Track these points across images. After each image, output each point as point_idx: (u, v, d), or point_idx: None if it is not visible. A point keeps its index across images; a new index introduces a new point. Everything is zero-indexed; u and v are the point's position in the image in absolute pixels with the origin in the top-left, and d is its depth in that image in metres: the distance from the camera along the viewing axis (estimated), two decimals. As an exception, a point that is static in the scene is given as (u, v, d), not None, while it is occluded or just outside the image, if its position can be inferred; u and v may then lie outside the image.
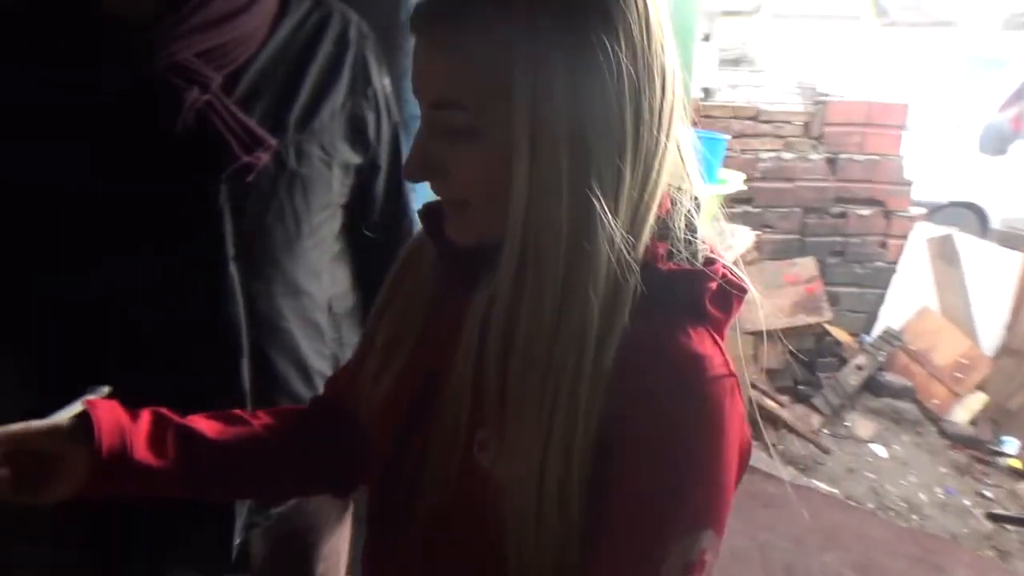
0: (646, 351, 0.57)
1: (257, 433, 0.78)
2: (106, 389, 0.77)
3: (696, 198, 0.62)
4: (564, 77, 0.54)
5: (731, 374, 0.58)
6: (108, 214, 0.87)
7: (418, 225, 0.70)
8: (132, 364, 0.88)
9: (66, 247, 0.88)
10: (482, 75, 0.55)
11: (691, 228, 0.61)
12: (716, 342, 0.59)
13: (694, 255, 0.59)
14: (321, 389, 0.95)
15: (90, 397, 0.74)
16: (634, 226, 0.57)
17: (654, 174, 0.58)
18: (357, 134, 1.00)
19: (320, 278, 1.01)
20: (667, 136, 0.58)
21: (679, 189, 0.62)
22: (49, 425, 0.69)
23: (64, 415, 0.71)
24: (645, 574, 0.56)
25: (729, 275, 0.60)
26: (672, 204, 0.61)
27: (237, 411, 0.80)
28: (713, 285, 0.59)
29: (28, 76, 0.85)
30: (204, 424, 0.75)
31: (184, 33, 0.86)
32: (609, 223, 0.55)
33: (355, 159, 1.01)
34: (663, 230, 0.60)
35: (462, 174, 0.59)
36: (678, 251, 0.59)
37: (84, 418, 0.69)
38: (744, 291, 0.61)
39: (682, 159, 0.62)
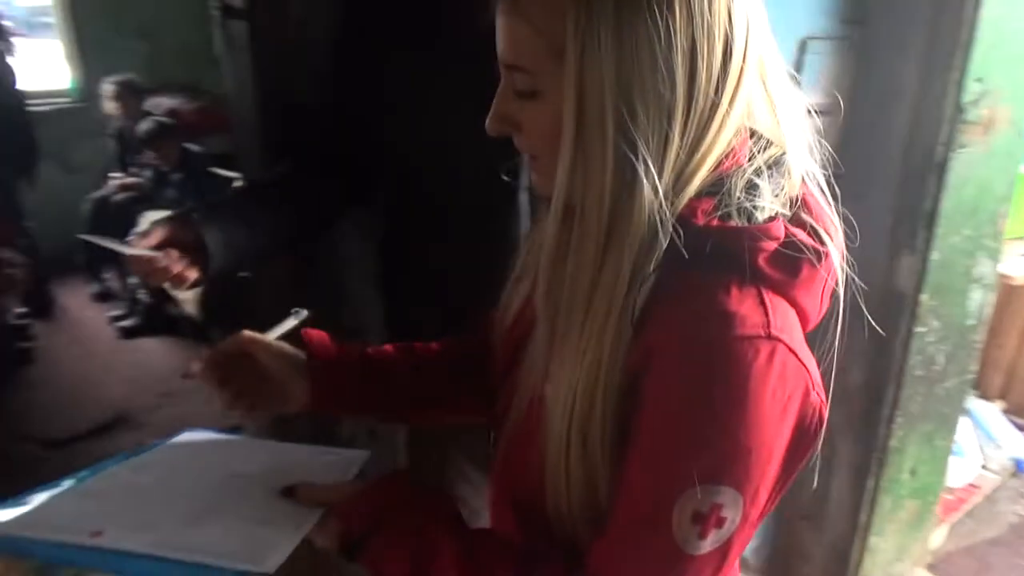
0: (677, 303, 0.59)
1: (435, 362, 0.90)
2: (305, 313, 0.93)
3: (777, 161, 0.63)
4: (612, 43, 0.56)
5: (769, 336, 0.57)
6: None
7: None
8: None
9: None
10: (541, 40, 0.58)
11: (752, 189, 0.60)
12: (763, 303, 0.58)
13: (749, 214, 0.59)
14: None
15: (296, 318, 0.92)
16: (677, 185, 0.59)
17: (709, 137, 0.59)
18: None
19: None
20: (730, 101, 0.59)
21: (762, 147, 0.63)
22: (277, 350, 0.83)
23: (280, 331, 0.88)
24: (656, 512, 0.59)
25: (797, 238, 0.60)
26: (741, 162, 0.62)
27: (416, 343, 0.91)
28: (768, 245, 0.59)
29: None
30: (397, 357, 0.88)
31: None
32: (652, 183, 0.57)
33: None
34: (716, 188, 0.60)
35: (529, 130, 0.63)
36: (726, 208, 0.59)
37: (304, 345, 0.84)
38: (820, 255, 0.60)
39: (777, 120, 0.63)
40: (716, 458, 0.58)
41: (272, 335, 0.87)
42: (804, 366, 0.60)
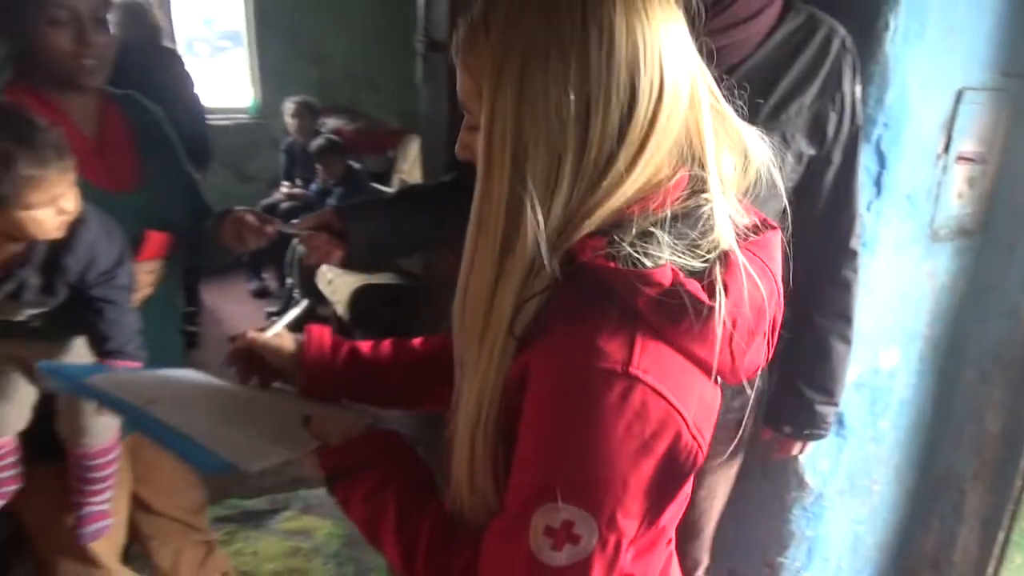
0: (555, 329, 0.64)
1: (421, 358, 0.98)
2: (306, 302, 1.22)
3: (687, 214, 0.64)
4: (514, 93, 0.62)
5: (626, 374, 0.60)
6: None
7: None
8: None
9: None
10: (474, 87, 0.66)
11: (646, 236, 0.62)
12: (631, 342, 0.61)
13: (635, 259, 0.61)
14: None
15: (299, 308, 1.12)
16: (572, 222, 0.64)
17: (607, 183, 0.63)
18: (817, 130, 1.18)
19: None
20: (635, 153, 0.63)
21: (684, 198, 0.65)
22: (275, 347, 0.97)
23: (285, 321, 1.04)
24: (517, 520, 0.64)
25: (686, 288, 0.61)
26: (655, 208, 0.64)
27: (402, 339, 1.01)
28: (648, 290, 0.61)
29: None
30: (388, 353, 0.98)
31: (695, 36, 1.10)
32: (537, 218, 0.62)
33: (809, 151, 1.19)
34: (611, 230, 0.63)
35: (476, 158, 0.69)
36: (614, 249, 0.62)
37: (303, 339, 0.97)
38: (702, 310, 0.61)
39: (719, 174, 0.67)
40: (568, 479, 0.62)
41: (277, 327, 1.01)
42: (674, 408, 0.62)
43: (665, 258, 0.62)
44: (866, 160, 1.40)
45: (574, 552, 0.62)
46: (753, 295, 0.64)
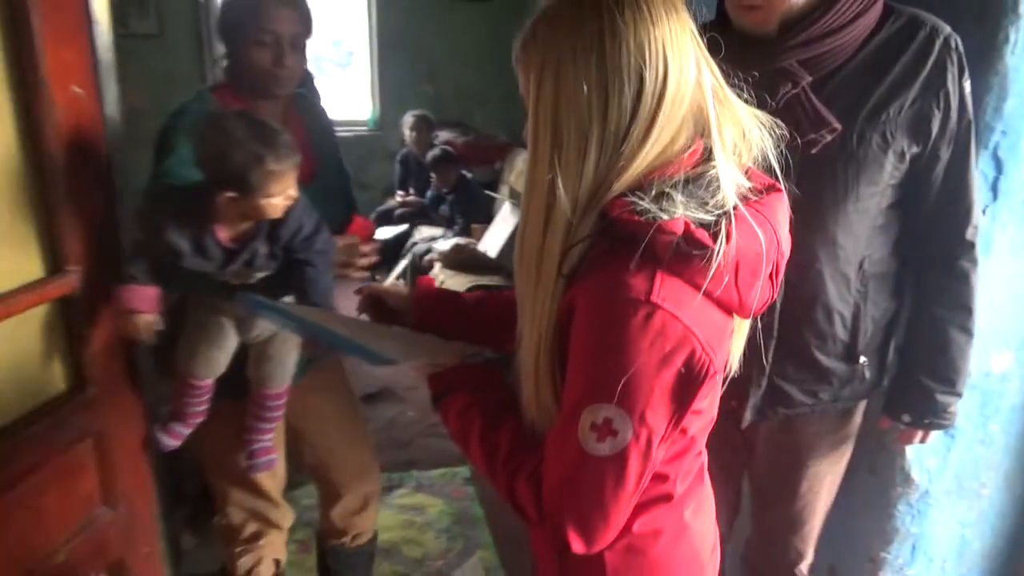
0: (594, 270, 0.81)
1: (497, 304, 1.14)
2: (409, 257, 1.64)
3: (695, 177, 0.81)
4: (550, 85, 0.81)
5: (648, 301, 0.76)
6: None
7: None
8: None
9: None
10: (526, 85, 0.84)
11: (662, 196, 0.78)
12: (652, 277, 0.77)
13: (654, 214, 0.76)
14: (838, 328, 1.31)
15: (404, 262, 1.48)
16: (603, 185, 0.81)
17: (626, 152, 0.80)
18: (920, 129, 1.23)
19: (857, 239, 1.28)
20: (646, 127, 0.80)
21: (695, 164, 0.82)
22: (393, 293, 1.20)
23: (396, 272, 1.46)
24: (568, 421, 0.82)
25: (695, 234, 0.76)
26: (672, 173, 0.80)
27: (494, 291, 1.17)
28: (665, 238, 0.76)
29: None
30: (484, 300, 1.16)
31: (792, 47, 1.21)
32: (573, 182, 0.81)
33: (912, 149, 1.24)
34: (635, 190, 0.79)
35: None
36: (636, 207, 0.77)
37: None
38: (704, 248, 0.76)
39: (721, 146, 0.83)
40: (606, 385, 0.79)
41: (390, 278, 1.42)
42: (689, 329, 0.78)
43: (679, 212, 0.77)
44: (983, 165, 1.46)
45: (614, 444, 0.80)
46: (752, 243, 0.80)
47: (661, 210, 0.77)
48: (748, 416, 1.36)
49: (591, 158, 0.81)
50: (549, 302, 0.84)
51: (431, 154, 4.29)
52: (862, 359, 1.37)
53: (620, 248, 0.79)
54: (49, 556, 1.26)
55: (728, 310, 0.84)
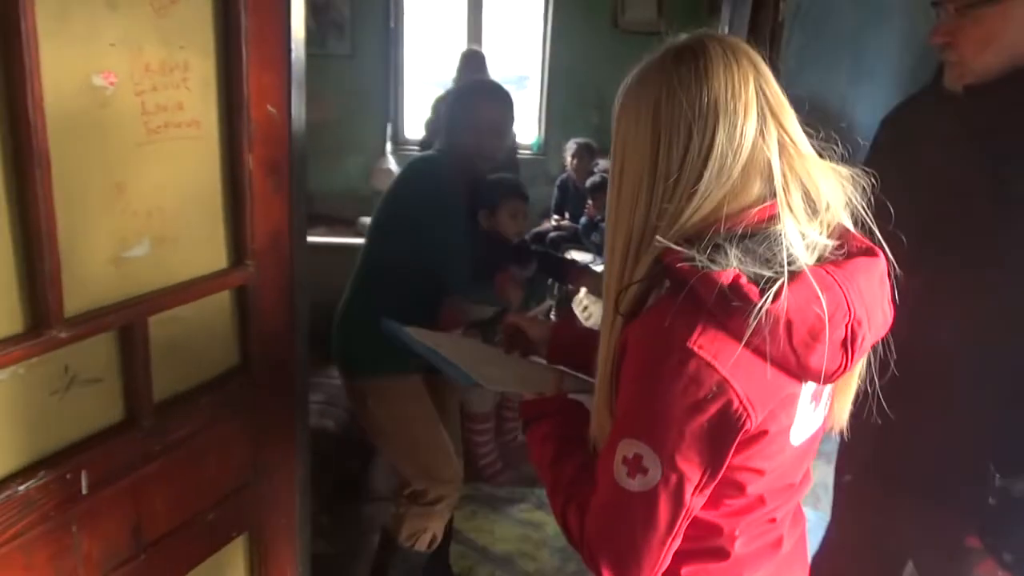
0: (646, 312, 0.86)
1: None
2: (551, 302, 1.65)
3: (752, 234, 0.83)
4: (620, 134, 0.90)
5: (684, 348, 0.79)
6: None
7: None
8: None
9: None
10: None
11: (717, 249, 0.81)
12: (693, 325, 0.79)
13: (705, 265, 0.79)
14: None
15: (545, 304, 1.55)
16: (652, 230, 0.86)
17: (675, 200, 0.85)
18: None
19: None
20: (692, 178, 0.84)
21: (757, 221, 0.84)
22: (531, 324, 1.35)
23: (537, 311, 1.49)
24: (608, 452, 0.87)
25: (743, 288, 0.78)
26: (733, 227, 0.83)
27: None
28: (710, 289, 0.78)
29: None
30: None
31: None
32: (625, 225, 0.88)
33: None
34: (692, 240, 0.83)
35: None
36: (689, 258, 0.80)
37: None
38: (749, 302, 0.77)
39: (787, 204, 0.85)
40: (639, 421, 0.83)
41: (532, 313, 1.44)
42: (727, 380, 0.79)
43: (732, 265, 0.79)
44: None
45: (644, 481, 0.83)
46: (810, 306, 0.80)
47: (711, 261, 0.80)
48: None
49: (641, 206, 0.87)
50: (612, 337, 0.90)
51: (590, 180, 4.37)
52: None
53: (669, 293, 0.84)
54: (201, 514, 1.45)
55: (789, 372, 0.83)
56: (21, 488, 1.09)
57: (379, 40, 5.21)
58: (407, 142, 5.45)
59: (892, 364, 0.97)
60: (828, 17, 1.62)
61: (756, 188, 0.86)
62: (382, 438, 2.22)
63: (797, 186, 0.87)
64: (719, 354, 0.79)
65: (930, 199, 1.32)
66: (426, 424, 2.16)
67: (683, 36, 0.90)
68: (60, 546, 1.17)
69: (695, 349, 0.79)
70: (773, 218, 0.84)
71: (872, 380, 1.00)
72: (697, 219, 0.85)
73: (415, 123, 5.41)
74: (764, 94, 0.86)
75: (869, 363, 0.99)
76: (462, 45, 5.16)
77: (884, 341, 0.95)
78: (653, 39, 0.93)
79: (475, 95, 2.20)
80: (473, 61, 4.43)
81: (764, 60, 0.90)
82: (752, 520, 0.93)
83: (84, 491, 1.19)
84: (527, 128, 5.67)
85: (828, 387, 0.96)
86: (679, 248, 0.82)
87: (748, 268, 0.80)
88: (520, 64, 6.12)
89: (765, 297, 0.78)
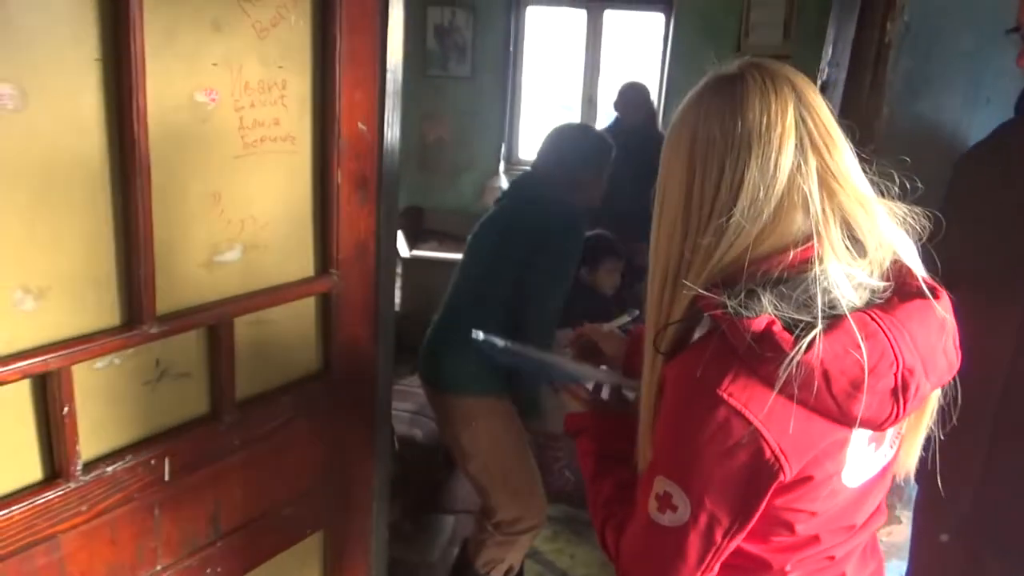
0: (683, 353, 0.84)
1: None
2: (636, 312, 1.51)
3: (789, 279, 0.79)
4: (663, 168, 0.89)
5: (714, 393, 0.77)
6: None
7: None
8: None
9: None
10: None
11: (751, 295, 0.78)
12: (726, 371, 0.77)
13: (737, 311, 0.77)
14: None
15: (629, 315, 1.49)
16: (688, 270, 0.85)
17: (707, 234, 0.83)
18: None
19: None
20: (723, 212, 0.81)
21: (791, 265, 0.80)
22: (606, 336, 1.33)
23: (616, 323, 1.44)
24: (645, 486, 0.87)
25: (776, 336, 0.75)
26: (769, 270, 0.80)
27: None
28: (743, 335, 0.76)
29: None
30: None
31: None
32: (662, 261, 0.88)
33: None
34: (727, 283, 0.80)
35: None
36: (724, 302, 0.78)
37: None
38: (781, 351, 0.75)
39: (828, 243, 0.80)
40: (671, 461, 0.83)
41: (610, 325, 1.39)
42: (756, 428, 0.76)
43: (766, 311, 0.77)
44: None
45: (674, 518, 0.83)
46: (848, 353, 0.76)
47: (743, 307, 0.77)
48: None
49: (676, 240, 0.86)
50: (653, 373, 0.90)
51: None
52: None
53: (705, 337, 0.83)
54: (278, 508, 1.52)
55: (832, 419, 0.80)
56: (109, 469, 1.19)
57: (498, 62, 5.33)
58: (520, 162, 5.53)
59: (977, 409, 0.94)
60: (941, 38, 1.52)
61: (797, 224, 0.82)
62: (471, 461, 2.19)
63: (839, 223, 0.82)
64: (750, 402, 0.77)
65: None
66: (518, 449, 2.17)
67: (729, 62, 0.88)
68: (143, 527, 1.27)
69: (725, 396, 0.77)
70: (813, 258, 0.80)
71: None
72: (731, 257, 0.82)
73: (529, 143, 5.49)
74: (805, 124, 0.82)
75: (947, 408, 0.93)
76: (580, 67, 5.20)
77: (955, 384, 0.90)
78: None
79: (611, 155, 2.27)
80: (639, 95, 4.21)
81: (813, 87, 0.86)
82: (806, 557, 0.90)
83: (167, 477, 1.28)
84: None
85: (892, 428, 0.89)
86: (709, 294, 0.80)
87: (784, 314, 0.77)
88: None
89: (797, 347, 0.75)
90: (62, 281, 1.09)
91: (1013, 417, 1.27)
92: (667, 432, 0.85)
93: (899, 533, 1.84)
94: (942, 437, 0.94)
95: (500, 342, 1.41)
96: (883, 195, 0.88)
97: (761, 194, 0.81)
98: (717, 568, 0.86)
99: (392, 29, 1.51)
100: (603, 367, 1.34)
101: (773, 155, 0.81)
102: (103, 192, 1.12)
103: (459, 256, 2.30)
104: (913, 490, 1.58)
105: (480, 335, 1.35)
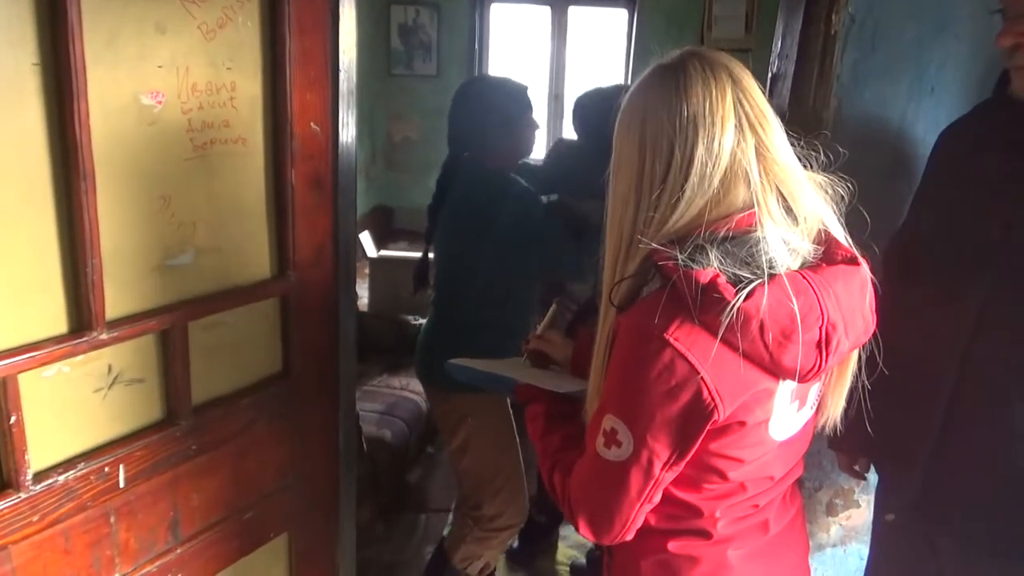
0: (635, 303, 0.92)
1: None
2: (555, 304, 1.57)
3: (733, 237, 0.89)
4: (615, 149, 0.97)
5: (661, 338, 0.86)
6: None
7: None
8: None
9: None
10: None
11: (698, 250, 0.87)
12: (672, 317, 0.86)
13: (687, 263, 0.86)
14: None
15: (554, 307, 1.52)
16: (639, 233, 0.92)
17: (660, 207, 0.91)
18: None
19: None
20: (675, 187, 0.90)
21: (733, 225, 0.89)
22: (560, 344, 1.41)
23: (547, 320, 1.49)
24: (594, 424, 0.96)
25: (719, 286, 0.84)
26: (716, 230, 0.89)
27: None
28: (690, 285, 0.84)
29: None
30: None
31: None
32: (619, 227, 0.96)
33: None
34: (678, 242, 0.89)
35: None
36: (676, 257, 0.87)
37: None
38: (723, 300, 0.83)
39: (767, 210, 0.90)
40: (618, 400, 0.92)
41: (543, 325, 1.46)
42: (696, 371, 0.85)
43: (712, 266, 0.85)
44: None
45: (618, 453, 0.92)
46: (783, 307, 0.85)
47: (693, 261, 0.86)
48: None
49: (629, 213, 0.95)
50: (605, 327, 0.98)
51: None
52: None
53: (660, 289, 0.90)
54: (240, 511, 1.51)
55: (763, 368, 0.89)
56: (61, 478, 1.17)
57: (464, 60, 5.34)
58: (489, 160, 5.54)
59: (880, 365, 1.03)
60: (886, 30, 1.55)
61: (740, 195, 0.92)
62: (463, 457, 2.20)
63: (775, 193, 0.92)
64: (693, 347, 0.86)
65: (996, 209, 1.25)
66: (508, 447, 2.17)
67: (671, 53, 0.96)
68: (98, 535, 1.25)
69: (671, 340, 0.86)
70: (755, 224, 0.90)
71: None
72: (682, 224, 0.91)
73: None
74: (742, 106, 0.92)
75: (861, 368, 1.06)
76: (545, 63, 5.21)
77: (873, 344, 1.02)
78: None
79: (520, 99, 2.16)
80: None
81: (747, 72, 0.94)
82: (733, 504, 1.01)
83: (122, 484, 1.26)
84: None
85: (814, 389, 1.03)
86: (663, 248, 0.89)
87: (728, 269, 0.86)
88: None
89: (738, 295, 0.84)
90: (6, 288, 1.08)
91: (966, 404, 1.28)
92: (617, 374, 0.92)
93: (858, 516, 1.88)
94: (867, 399, 1.06)
95: (460, 363, 1.45)
96: (809, 168, 0.98)
97: (708, 170, 0.90)
98: (658, 498, 0.96)
99: (344, 29, 1.51)
100: (553, 367, 1.42)
101: (717, 135, 0.90)
102: (46, 197, 1.10)
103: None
104: (874, 476, 1.61)
105: (455, 366, 1.42)
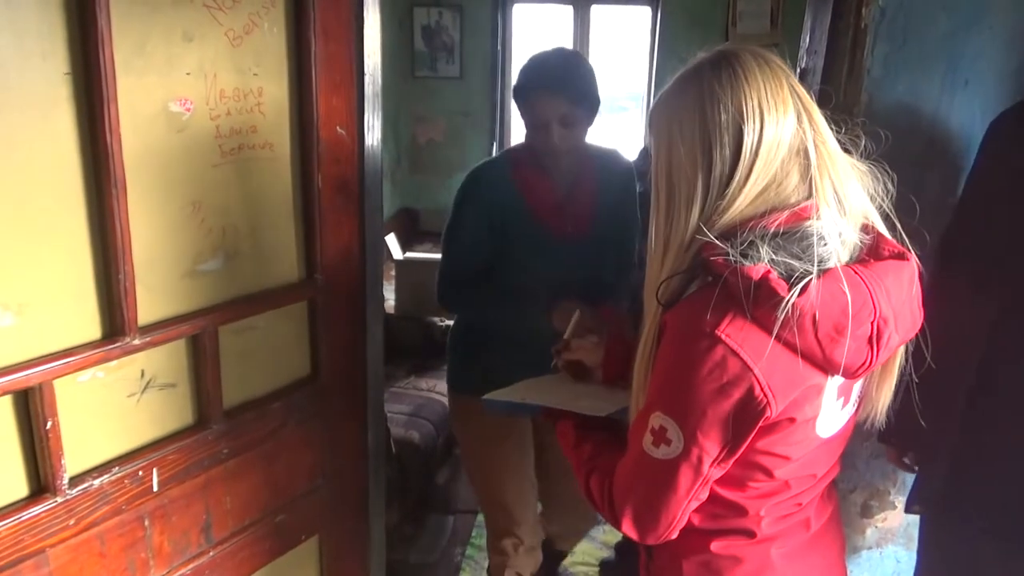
0: (684, 300, 0.91)
1: None
2: (578, 311, 1.54)
3: (788, 232, 0.87)
4: (664, 144, 0.94)
5: (712, 335, 0.85)
6: None
7: None
8: None
9: None
10: (652, 144, 0.98)
11: (751, 245, 0.86)
12: (724, 314, 0.85)
13: (738, 259, 0.84)
14: None
15: (576, 317, 1.50)
16: (699, 228, 0.90)
17: (726, 199, 0.89)
18: None
19: None
20: (744, 171, 0.88)
21: (787, 220, 0.88)
22: (591, 349, 1.38)
23: (571, 327, 1.47)
24: (641, 421, 0.94)
25: (771, 282, 0.83)
26: (768, 225, 0.88)
27: None
28: (742, 281, 0.83)
29: None
30: None
31: None
32: (681, 224, 0.92)
33: None
34: (728, 236, 0.87)
35: None
36: (724, 252, 0.85)
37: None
38: (776, 295, 0.82)
39: (824, 200, 0.89)
40: (668, 397, 0.90)
41: (569, 331, 1.45)
42: (749, 368, 0.84)
43: (763, 260, 0.85)
44: None
45: (667, 451, 0.91)
46: (837, 302, 0.84)
47: (744, 256, 0.85)
48: None
49: (696, 204, 0.92)
50: (652, 321, 0.96)
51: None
52: None
53: (706, 285, 0.89)
54: (272, 514, 1.52)
55: (815, 364, 0.88)
56: (96, 482, 1.19)
57: (487, 61, 5.33)
58: (513, 160, 5.53)
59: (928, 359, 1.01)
60: (917, 23, 1.52)
61: (793, 184, 0.91)
62: (464, 460, 2.21)
63: (828, 182, 0.91)
64: (745, 343, 0.85)
65: None
66: (504, 457, 2.05)
67: (713, 49, 0.95)
68: (133, 538, 1.27)
69: (723, 337, 0.85)
70: (808, 216, 0.89)
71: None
72: (743, 211, 0.90)
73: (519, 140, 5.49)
74: (797, 93, 0.92)
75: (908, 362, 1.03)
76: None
77: (920, 338, 1.00)
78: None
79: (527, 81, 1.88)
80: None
81: (788, 66, 0.95)
82: (777, 503, 1.00)
83: (155, 488, 1.28)
84: (634, 146, 5.62)
85: (857, 385, 1.01)
86: (717, 243, 0.88)
87: (780, 263, 0.85)
88: (629, 83, 6.10)
89: (793, 291, 0.83)
90: (41, 296, 1.09)
91: (986, 396, 1.28)
92: (666, 371, 0.91)
93: (893, 518, 1.84)
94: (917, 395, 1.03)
95: (496, 396, 1.41)
96: (849, 154, 0.96)
97: (774, 153, 0.89)
98: (705, 496, 0.95)
99: (368, 33, 1.51)
100: (590, 387, 1.39)
101: (781, 120, 0.89)
102: (79, 205, 1.12)
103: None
104: (908, 477, 1.58)
105: (495, 402, 1.38)
